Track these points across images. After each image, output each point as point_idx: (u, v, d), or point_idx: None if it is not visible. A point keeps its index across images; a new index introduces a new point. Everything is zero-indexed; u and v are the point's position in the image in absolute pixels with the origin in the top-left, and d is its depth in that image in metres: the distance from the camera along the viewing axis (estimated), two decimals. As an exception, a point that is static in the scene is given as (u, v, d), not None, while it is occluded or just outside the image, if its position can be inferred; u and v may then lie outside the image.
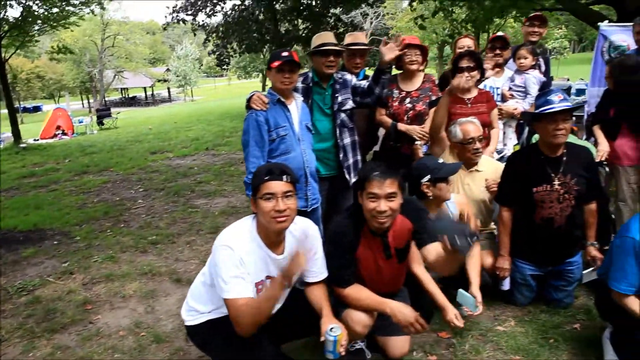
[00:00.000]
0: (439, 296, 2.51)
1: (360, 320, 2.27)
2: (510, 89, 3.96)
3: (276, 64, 2.84)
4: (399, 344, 2.48)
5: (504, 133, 3.99)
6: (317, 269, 2.28)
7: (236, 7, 15.49)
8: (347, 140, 3.28)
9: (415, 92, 3.60)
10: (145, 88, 46.27)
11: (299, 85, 3.22)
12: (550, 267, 3.02)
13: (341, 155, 3.25)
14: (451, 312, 2.46)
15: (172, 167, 8.53)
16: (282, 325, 2.22)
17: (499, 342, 2.76)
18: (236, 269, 1.98)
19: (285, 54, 2.86)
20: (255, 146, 2.85)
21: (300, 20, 15.57)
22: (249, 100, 2.94)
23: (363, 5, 15.95)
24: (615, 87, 3.66)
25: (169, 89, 48.04)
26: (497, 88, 3.99)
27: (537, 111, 2.77)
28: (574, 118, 3.46)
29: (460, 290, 2.70)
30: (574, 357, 2.62)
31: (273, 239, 2.11)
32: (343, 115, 3.25)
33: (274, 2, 14.94)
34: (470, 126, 3.09)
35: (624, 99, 3.55)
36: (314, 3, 14.92)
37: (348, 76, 3.31)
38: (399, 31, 25.13)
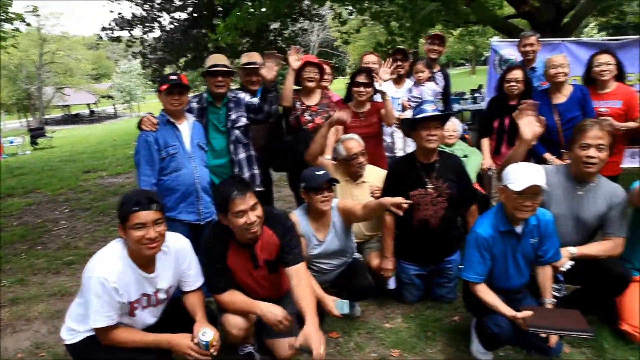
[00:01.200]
0: (319, 293, 2.71)
1: (236, 324, 2.43)
2: (409, 99, 4.26)
3: (165, 87, 3.00)
4: (285, 345, 2.63)
5: (405, 140, 4.28)
6: (191, 279, 2.42)
7: (174, 23, 15.42)
8: (242, 155, 3.46)
9: (314, 107, 3.83)
10: (89, 104, 44.86)
11: (194, 105, 3.38)
12: (432, 266, 3.28)
13: (236, 170, 3.42)
14: (330, 302, 2.68)
15: (103, 186, 8.42)
16: (166, 332, 2.34)
17: (383, 338, 2.98)
18: (107, 302, 2.12)
19: (173, 77, 3.02)
20: (146, 165, 2.98)
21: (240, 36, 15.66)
22: (140, 121, 3.07)
23: (302, 20, 16.19)
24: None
25: (114, 105, 46.78)
26: (398, 98, 4.28)
27: (411, 118, 3.06)
28: (462, 125, 3.78)
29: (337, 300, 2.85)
30: (447, 347, 2.87)
31: (144, 260, 2.24)
32: (237, 132, 3.42)
33: (213, 18, 14.99)
34: (352, 143, 3.33)
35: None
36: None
37: (242, 94, 3.49)
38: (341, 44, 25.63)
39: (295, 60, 3.60)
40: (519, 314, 2.34)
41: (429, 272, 3.31)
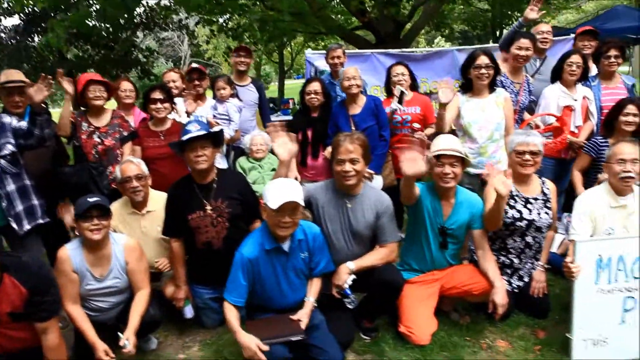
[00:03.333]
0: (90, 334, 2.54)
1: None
2: (214, 117, 4.14)
3: None
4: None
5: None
6: None
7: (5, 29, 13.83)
8: (10, 187, 3.05)
9: (104, 128, 3.55)
10: None
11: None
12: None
13: (4, 204, 3.01)
14: (100, 349, 2.48)
15: None
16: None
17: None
18: None
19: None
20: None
21: (90, 47, 14.54)
22: None
23: (161, 30, 15.48)
24: None
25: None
26: (202, 116, 4.13)
27: (177, 141, 2.93)
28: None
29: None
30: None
31: None
32: (2, 161, 3.02)
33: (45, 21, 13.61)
34: (129, 166, 3.12)
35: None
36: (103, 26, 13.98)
37: (7, 118, 3.09)
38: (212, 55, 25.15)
39: (68, 84, 3.28)
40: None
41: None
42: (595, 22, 9.70)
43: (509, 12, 12.81)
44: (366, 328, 3.00)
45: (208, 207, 2.95)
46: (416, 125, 3.86)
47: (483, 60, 3.46)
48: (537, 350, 2.77)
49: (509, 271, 3.09)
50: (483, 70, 3.46)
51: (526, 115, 3.96)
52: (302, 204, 2.49)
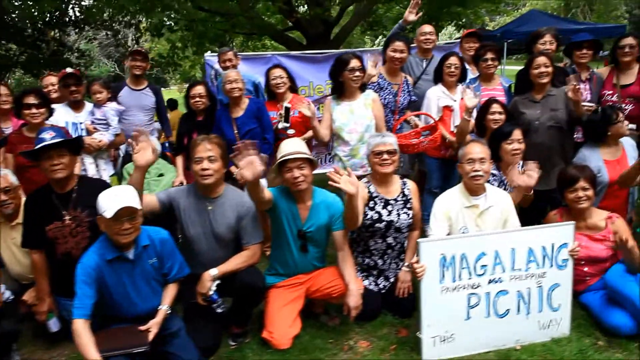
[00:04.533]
0: None
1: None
2: (92, 122, 4.00)
3: None
4: None
5: (97, 165, 4.03)
6: None
7: None
8: None
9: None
10: None
11: None
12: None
13: None
14: None
15: None
16: None
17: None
18: None
19: None
20: None
21: (15, 45, 13.88)
22: None
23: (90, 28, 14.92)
24: None
25: None
26: (81, 123, 4.00)
27: (34, 148, 2.80)
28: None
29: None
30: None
31: None
32: None
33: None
34: None
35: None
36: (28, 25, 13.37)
37: None
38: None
39: None
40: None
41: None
42: (512, 26, 10.12)
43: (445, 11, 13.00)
44: (235, 334, 2.98)
45: (67, 217, 2.84)
46: (290, 132, 3.85)
47: (356, 63, 3.51)
48: (392, 349, 2.82)
49: (374, 272, 3.14)
50: (357, 73, 3.51)
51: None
52: (139, 207, 2.43)
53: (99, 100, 4.02)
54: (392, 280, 3.15)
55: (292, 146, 2.82)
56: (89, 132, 3.98)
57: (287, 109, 3.86)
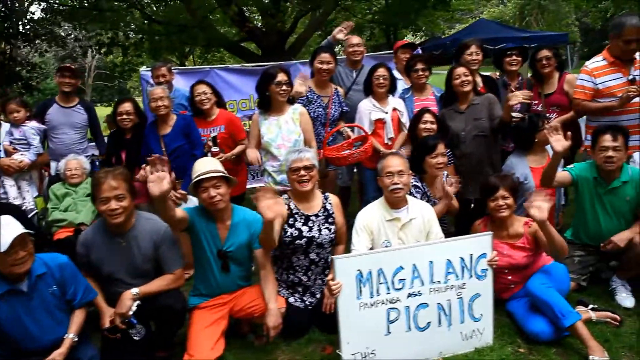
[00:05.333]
0: None
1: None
2: (11, 142, 3.85)
3: None
4: None
5: (19, 187, 3.87)
6: None
7: None
8: None
9: None
10: None
11: None
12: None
13: None
14: None
15: None
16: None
17: None
18: None
19: None
20: None
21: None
22: None
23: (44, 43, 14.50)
24: None
25: None
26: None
27: None
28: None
29: None
30: None
31: None
32: None
33: None
34: None
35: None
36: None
37: None
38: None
39: None
40: None
41: None
42: (461, 34, 10.34)
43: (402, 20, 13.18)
44: (161, 357, 2.88)
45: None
46: (215, 149, 3.79)
47: (283, 77, 3.48)
48: (314, 368, 2.77)
49: (300, 289, 3.09)
50: (284, 87, 3.48)
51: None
52: (30, 231, 2.32)
53: (17, 119, 3.87)
54: (318, 296, 3.10)
55: (206, 165, 2.75)
56: (8, 153, 3.82)
57: (215, 138, 3.82)
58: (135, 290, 2.68)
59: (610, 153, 3.10)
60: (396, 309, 2.66)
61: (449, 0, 11.59)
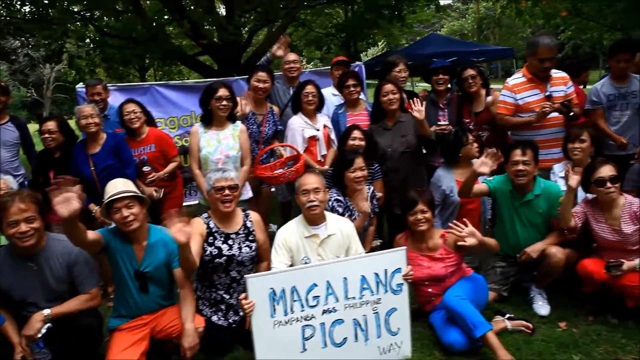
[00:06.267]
0: None
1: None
2: None
3: None
4: None
5: None
6: None
7: None
8: None
9: None
10: None
11: None
12: None
13: None
14: None
15: None
16: None
17: None
18: None
19: None
20: None
21: None
22: None
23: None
24: None
25: None
26: None
27: None
28: None
29: None
30: None
31: None
32: None
33: None
34: None
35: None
36: None
37: None
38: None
39: None
40: None
41: None
42: (412, 48, 10.61)
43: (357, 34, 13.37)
44: (79, 382, 2.81)
45: None
46: (146, 169, 3.79)
47: (224, 92, 3.53)
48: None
49: (223, 307, 3.08)
50: (225, 102, 3.54)
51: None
52: None
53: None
54: (242, 314, 3.10)
55: (117, 186, 2.73)
56: None
57: (143, 161, 3.86)
58: (47, 311, 2.64)
59: (520, 167, 3.24)
60: (311, 325, 2.70)
61: (405, 14, 11.86)
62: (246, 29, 10.59)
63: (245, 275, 2.63)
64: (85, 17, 9.30)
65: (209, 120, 3.69)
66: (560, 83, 3.88)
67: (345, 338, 2.76)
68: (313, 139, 4.01)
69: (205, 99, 3.66)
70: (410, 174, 3.86)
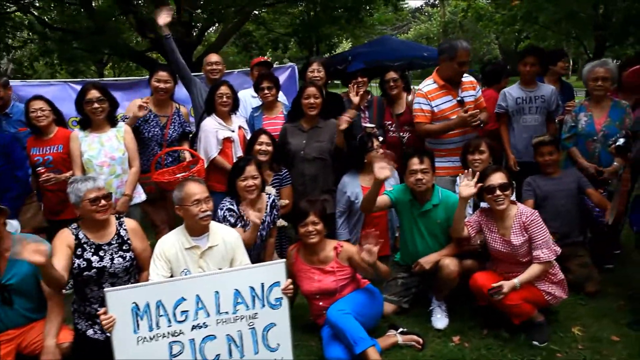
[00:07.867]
0: None
1: None
2: None
3: None
4: None
5: None
6: None
7: None
8: None
9: None
10: None
11: None
12: None
13: None
14: None
15: None
16: None
17: None
18: None
19: None
20: None
21: None
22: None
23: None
24: None
25: None
26: None
27: None
28: None
29: None
30: None
31: None
32: None
33: None
34: None
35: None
36: None
37: None
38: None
39: None
40: None
41: None
42: (363, 48, 10.56)
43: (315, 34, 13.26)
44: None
45: None
46: (40, 169, 3.59)
47: (94, 94, 3.39)
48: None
49: (99, 320, 2.90)
50: (96, 105, 3.42)
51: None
52: None
53: None
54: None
55: None
56: None
57: (48, 161, 3.66)
58: None
59: (419, 176, 3.16)
60: (179, 342, 2.55)
61: (362, 16, 11.83)
62: (198, 25, 10.35)
63: (105, 290, 2.47)
64: (24, 6, 8.90)
65: (87, 123, 3.54)
66: (470, 88, 3.84)
67: (218, 355, 2.62)
68: (228, 141, 3.85)
69: (78, 102, 3.52)
70: (319, 181, 3.76)
